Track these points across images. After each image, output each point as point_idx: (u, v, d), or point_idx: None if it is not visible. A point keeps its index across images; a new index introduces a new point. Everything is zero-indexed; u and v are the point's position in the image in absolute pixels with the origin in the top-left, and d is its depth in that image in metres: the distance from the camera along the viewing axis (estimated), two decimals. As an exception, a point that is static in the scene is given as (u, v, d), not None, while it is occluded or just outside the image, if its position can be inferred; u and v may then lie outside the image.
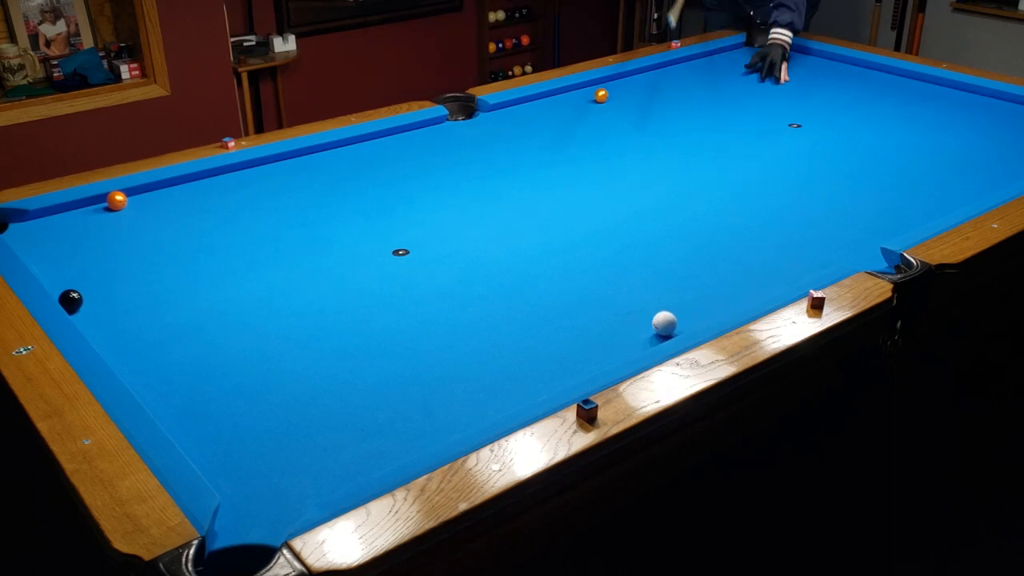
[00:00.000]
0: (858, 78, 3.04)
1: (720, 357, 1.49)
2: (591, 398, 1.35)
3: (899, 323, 1.72)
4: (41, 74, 3.87)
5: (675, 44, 3.31)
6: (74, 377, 1.44)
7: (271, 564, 1.09)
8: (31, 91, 3.77)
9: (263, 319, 1.70)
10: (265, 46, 4.54)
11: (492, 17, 5.46)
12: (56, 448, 1.28)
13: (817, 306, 1.61)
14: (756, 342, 1.53)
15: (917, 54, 4.84)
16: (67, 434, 1.30)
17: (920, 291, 1.73)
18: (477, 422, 1.38)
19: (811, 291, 1.63)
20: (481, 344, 1.61)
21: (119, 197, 2.13)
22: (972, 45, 4.96)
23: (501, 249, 1.96)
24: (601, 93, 2.85)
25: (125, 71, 3.85)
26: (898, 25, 4.95)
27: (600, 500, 1.40)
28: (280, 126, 4.65)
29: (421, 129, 2.63)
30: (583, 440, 1.30)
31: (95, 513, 1.15)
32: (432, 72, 5.08)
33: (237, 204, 2.18)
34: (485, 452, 1.28)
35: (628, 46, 5.78)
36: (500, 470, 1.24)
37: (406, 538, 1.13)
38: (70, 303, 1.72)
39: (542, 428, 1.32)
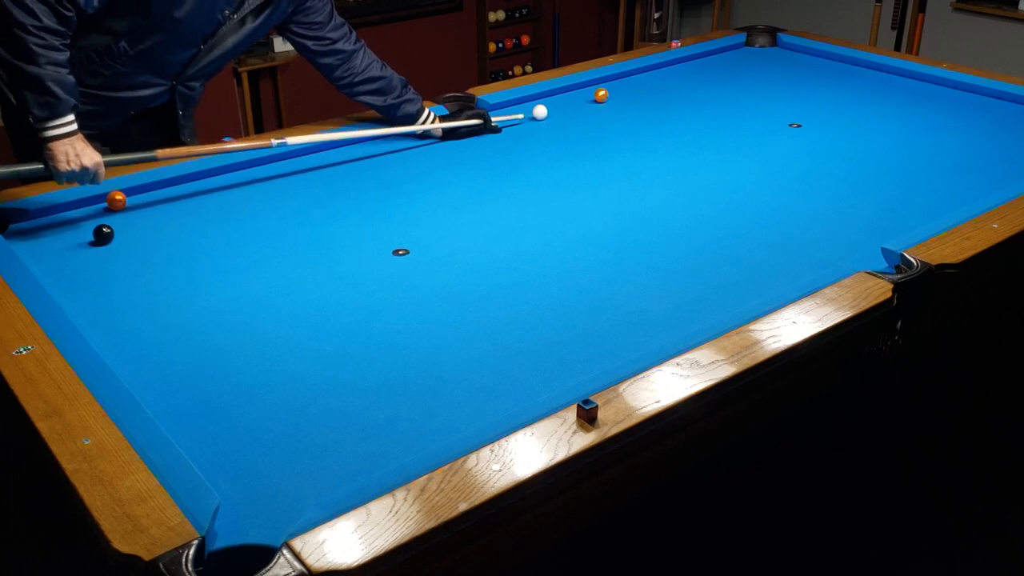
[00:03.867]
0: (858, 78, 3.04)
1: (720, 357, 1.49)
2: (591, 398, 1.35)
3: (899, 323, 1.72)
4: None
5: (675, 44, 3.31)
6: (74, 377, 1.44)
7: (271, 564, 1.08)
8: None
9: (263, 319, 1.70)
10: (265, 46, 4.54)
11: (492, 17, 5.46)
12: (56, 448, 1.28)
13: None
14: (756, 342, 1.53)
15: (917, 54, 4.84)
16: (67, 434, 1.30)
17: (920, 291, 1.73)
18: (477, 422, 1.38)
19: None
20: (481, 344, 1.61)
21: (119, 197, 2.13)
22: (972, 45, 4.97)
23: (501, 249, 1.96)
24: (601, 93, 2.85)
25: (125, 71, 3.84)
26: (898, 25, 4.95)
27: (600, 500, 1.40)
28: (280, 126, 4.65)
29: (421, 129, 2.63)
30: (583, 440, 1.30)
31: (95, 513, 1.15)
32: (432, 72, 5.08)
33: (237, 204, 2.18)
34: (485, 452, 1.28)
35: (628, 46, 5.78)
36: (500, 470, 1.24)
37: (406, 538, 1.13)
38: (101, 237, 1.86)
39: (542, 428, 1.32)
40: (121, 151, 2.44)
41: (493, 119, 2.63)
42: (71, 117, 1.98)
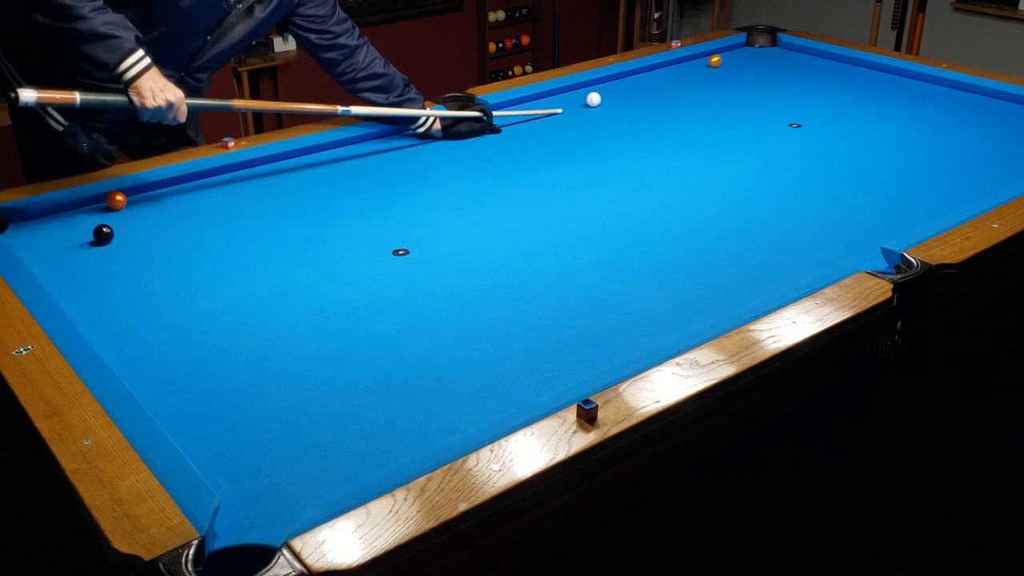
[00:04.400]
0: (858, 78, 3.04)
1: (720, 357, 1.49)
2: (591, 398, 1.35)
3: (899, 323, 1.72)
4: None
5: (675, 44, 3.31)
6: (74, 377, 1.44)
7: (271, 564, 1.08)
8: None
9: (263, 319, 1.70)
10: (265, 46, 4.54)
11: (492, 17, 5.46)
12: (56, 448, 1.28)
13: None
14: (756, 342, 1.53)
15: (917, 54, 4.84)
16: (67, 434, 1.30)
17: (920, 291, 1.73)
18: (477, 422, 1.38)
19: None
20: (481, 344, 1.61)
21: (119, 197, 2.13)
22: (972, 45, 4.97)
23: (501, 249, 1.96)
24: (715, 60, 3.07)
25: (125, 71, 3.84)
26: (898, 25, 4.95)
27: (600, 500, 1.40)
28: (280, 126, 4.64)
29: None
30: (583, 440, 1.30)
31: (95, 513, 1.15)
32: (432, 72, 5.08)
33: (237, 204, 2.18)
34: (485, 452, 1.28)
35: (628, 46, 5.78)
36: (500, 470, 1.24)
37: (406, 538, 1.13)
38: (101, 237, 1.89)
39: (542, 428, 1.32)
40: (129, 146, 2.46)
41: (534, 110, 2.69)
42: (142, 52, 2.03)
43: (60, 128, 2.25)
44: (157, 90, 2.02)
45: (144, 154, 2.42)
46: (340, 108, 2.40)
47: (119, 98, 2.04)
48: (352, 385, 1.50)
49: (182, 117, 2.09)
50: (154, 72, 2.03)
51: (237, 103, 2.26)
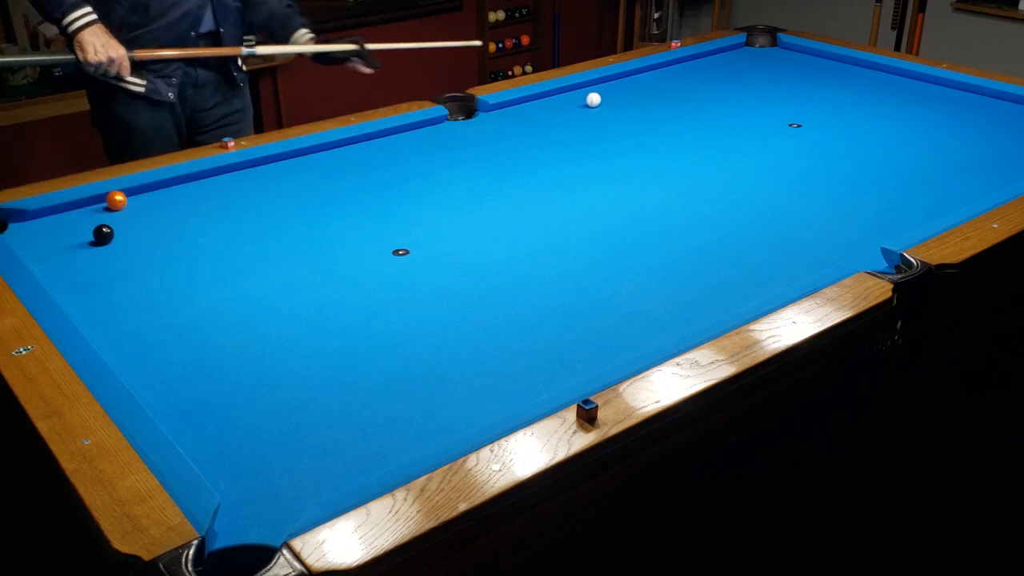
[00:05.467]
0: (858, 78, 3.04)
1: (720, 357, 1.49)
2: (591, 398, 1.35)
3: (899, 323, 1.72)
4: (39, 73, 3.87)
5: (675, 44, 3.30)
6: (74, 377, 1.44)
7: (271, 564, 1.09)
8: (31, 91, 3.77)
9: (263, 319, 1.70)
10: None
11: (492, 17, 5.46)
12: (56, 448, 1.28)
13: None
14: (756, 342, 1.53)
15: (917, 54, 4.84)
16: (67, 434, 1.30)
17: (920, 291, 1.73)
18: (477, 422, 1.38)
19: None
20: (481, 344, 1.61)
21: (119, 197, 2.13)
22: (972, 45, 4.97)
23: (501, 249, 1.96)
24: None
25: (125, 71, 3.85)
26: (898, 25, 4.95)
27: (600, 500, 1.40)
28: (280, 126, 4.65)
29: (421, 129, 2.64)
30: (583, 440, 1.30)
31: (95, 513, 1.16)
32: (432, 72, 5.08)
33: (237, 204, 2.18)
34: (485, 452, 1.28)
35: (628, 46, 5.78)
36: (500, 470, 1.24)
37: (406, 538, 1.13)
38: (101, 237, 1.93)
39: (542, 428, 1.32)
40: (192, 112, 2.62)
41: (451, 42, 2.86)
42: (87, 8, 2.20)
43: (141, 89, 2.40)
44: (99, 45, 2.17)
45: (200, 121, 2.61)
46: (244, 49, 2.54)
47: (64, 56, 2.21)
48: (352, 385, 1.50)
49: (125, 72, 2.25)
50: (97, 28, 2.19)
51: (139, 53, 2.35)
